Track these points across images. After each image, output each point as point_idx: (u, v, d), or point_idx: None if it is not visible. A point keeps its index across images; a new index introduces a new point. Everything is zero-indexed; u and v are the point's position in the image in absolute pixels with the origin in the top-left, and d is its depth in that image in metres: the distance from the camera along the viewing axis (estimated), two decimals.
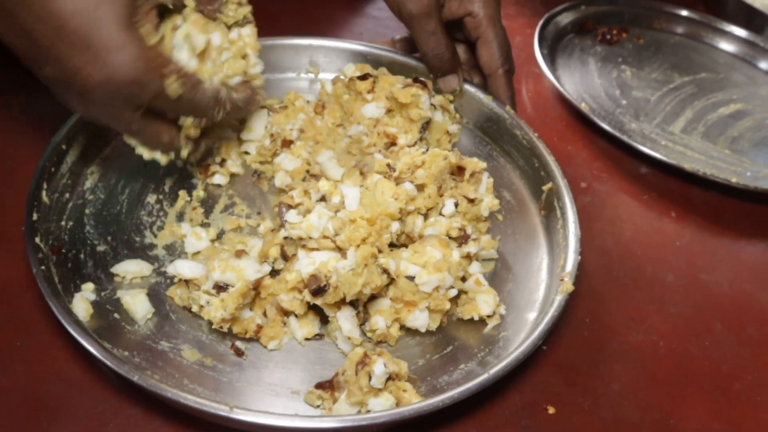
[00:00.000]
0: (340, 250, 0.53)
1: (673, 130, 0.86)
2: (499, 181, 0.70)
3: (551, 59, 0.92)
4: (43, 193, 0.57)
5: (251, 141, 0.67)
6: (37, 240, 0.54)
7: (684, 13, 1.05)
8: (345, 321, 0.54)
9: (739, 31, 1.04)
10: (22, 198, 0.56)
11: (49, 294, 0.50)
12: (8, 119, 0.69)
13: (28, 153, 0.64)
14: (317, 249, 0.53)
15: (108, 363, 0.47)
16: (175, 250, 0.59)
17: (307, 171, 0.63)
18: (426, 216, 0.59)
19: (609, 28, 1.01)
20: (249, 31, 0.59)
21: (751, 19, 1.07)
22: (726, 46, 1.04)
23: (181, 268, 0.54)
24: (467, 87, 0.75)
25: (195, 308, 0.54)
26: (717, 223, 0.76)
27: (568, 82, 0.90)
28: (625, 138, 0.78)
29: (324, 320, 0.56)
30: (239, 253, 0.56)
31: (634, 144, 0.78)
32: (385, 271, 0.53)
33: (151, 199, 0.63)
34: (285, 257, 0.56)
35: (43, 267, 0.52)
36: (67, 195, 0.61)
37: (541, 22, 0.94)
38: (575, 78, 0.92)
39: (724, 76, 0.98)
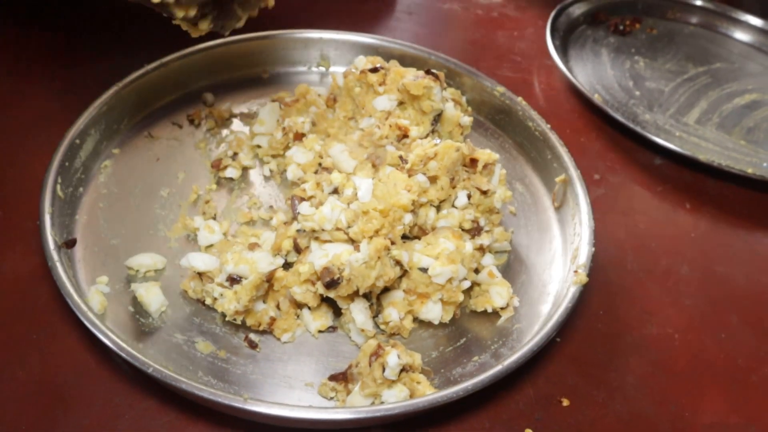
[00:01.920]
0: (353, 242, 0.53)
1: (688, 121, 0.85)
2: (511, 173, 0.70)
3: (563, 51, 0.91)
4: (58, 187, 0.58)
5: (263, 134, 0.67)
6: (52, 234, 0.54)
7: (698, 2, 1.04)
8: (358, 313, 0.54)
9: (755, 21, 1.02)
10: (36, 193, 0.57)
11: (64, 287, 0.51)
12: (22, 115, 0.69)
13: (41, 148, 0.64)
14: (330, 241, 0.53)
15: (122, 355, 0.47)
16: (188, 244, 0.59)
17: (319, 164, 0.63)
18: (438, 208, 0.59)
19: (621, 18, 1.00)
20: None
21: (766, 8, 1.05)
22: (741, 35, 1.03)
23: (195, 260, 0.54)
24: (480, 79, 0.75)
25: (208, 301, 0.54)
26: (732, 215, 0.75)
27: (581, 74, 0.89)
28: (638, 129, 0.77)
29: (337, 312, 0.56)
30: (252, 246, 0.56)
31: (648, 135, 0.77)
32: (398, 263, 0.53)
33: (164, 192, 0.63)
34: (298, 250, 0.56)
35: (57, 260, 0.52)
36: (81, 189, 0.61)
37: (553, 14, 0.93)
38: (588, 69, 0.91)
39: (739, 66, 0.97)
